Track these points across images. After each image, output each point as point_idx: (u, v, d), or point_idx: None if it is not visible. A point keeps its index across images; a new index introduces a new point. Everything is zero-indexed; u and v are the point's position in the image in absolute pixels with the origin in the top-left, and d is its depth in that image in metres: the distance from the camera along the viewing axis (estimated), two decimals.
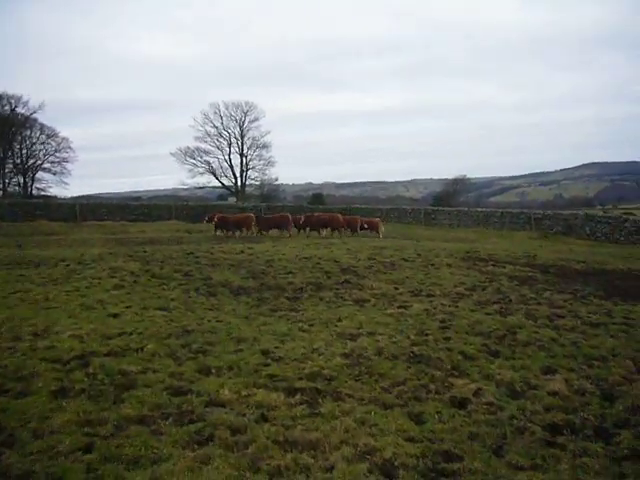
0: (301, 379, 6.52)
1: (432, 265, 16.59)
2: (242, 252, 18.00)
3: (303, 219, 30.38)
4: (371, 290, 12.83)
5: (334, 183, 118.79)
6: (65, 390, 5.77)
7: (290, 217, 30.37)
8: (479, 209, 40.21)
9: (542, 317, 10.28)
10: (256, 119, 66.41)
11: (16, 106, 59.41)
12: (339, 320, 9.74)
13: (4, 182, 60.25)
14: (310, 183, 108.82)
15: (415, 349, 7.88)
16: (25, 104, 59.94)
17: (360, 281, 13.77)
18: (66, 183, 63.62)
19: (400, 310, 10.60)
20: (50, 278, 12.40)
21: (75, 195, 67.69)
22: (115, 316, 9.29)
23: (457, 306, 11.12)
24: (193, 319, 9.38)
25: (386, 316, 10.12)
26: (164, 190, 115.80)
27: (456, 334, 8.83)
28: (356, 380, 6.60)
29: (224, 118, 65.80)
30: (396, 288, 13.02)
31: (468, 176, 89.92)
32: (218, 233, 29.82)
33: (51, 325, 8.38)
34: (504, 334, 8.88)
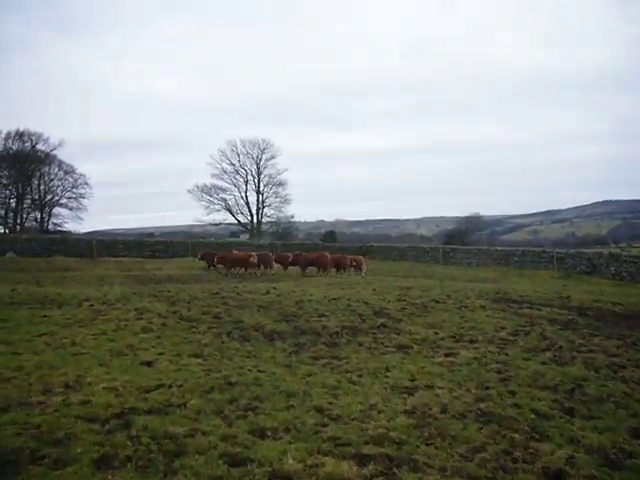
0: (367, 443, 5.77)
1: (465, 307, 15.90)
2: (268, 292, 17.32)
3: (291, 257, 30.55)
4: (410, 335, 12.14)
5: (346, 221, 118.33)
6: (108, 458, 5.03)
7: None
8: (499, 248, 39.39)
9: (602, 367, 9.61)
10: (272, 157, 66.58)
11: (37, 143, 59.95)
12: (387, 370, 9.03)
13: (22, 217, 60.31)
14: (322, 220, 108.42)
15: (482, 406, 7.14)
16: (45, 141, 60.55)
17: (396, 325, 13.08)
18: (81, 218, 63.66)
19: (449, 359, 9.89)
20: (75, 319, 11.72)
21: (89, 230, 67.65)
22: (149, 364, 8.58)
23: (507, 354, 10.42)
24: (232, 368, 8.66)
25: (436, 365, 9.40)
26: (177, 226, 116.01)
27: (519, 387, 8.12)
28: (428, 444, 5.83)
29: (241, 156, 66.02)
30: (436, 333, 12.32)
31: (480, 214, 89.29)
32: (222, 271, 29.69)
33: (82, 374, 7.67)
34: (572, 388, 8.16)
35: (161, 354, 9.33)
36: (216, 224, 66.97)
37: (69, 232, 60.44)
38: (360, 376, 8.61)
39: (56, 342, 9.70)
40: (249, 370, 8.55)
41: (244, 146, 66.10)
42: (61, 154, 63.25)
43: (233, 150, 66.13)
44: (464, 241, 64.92)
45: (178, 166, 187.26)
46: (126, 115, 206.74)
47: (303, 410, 6.69)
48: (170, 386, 7.30)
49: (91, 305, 13.49)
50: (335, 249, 45.30)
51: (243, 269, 29.38)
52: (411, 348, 10.94)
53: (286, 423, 6.20)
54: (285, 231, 64.90)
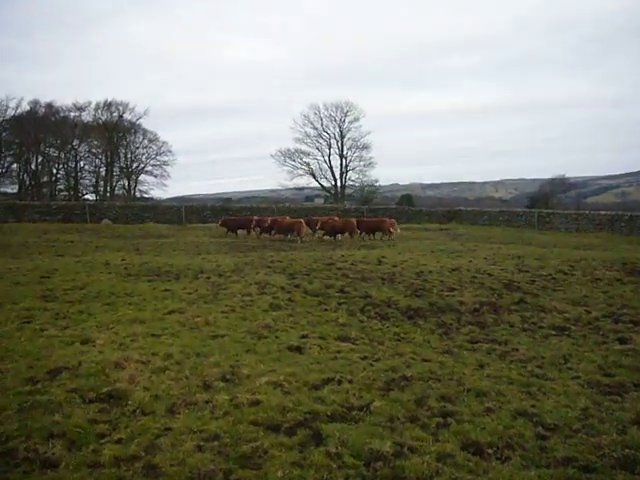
0: (615, 468, 4.50)
1: (599, 280, 14.11)
2: (380, 262, 16.10)
3: (319, 224, 28.20)
4: (559, 314, 10.67)
5: (420, 184, 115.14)
6: None
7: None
8: (602, 212, 36.30)
9: None
10: (356, 119, 64.45)
11: (124, 112, 60.80)
12: (565, 359, 7.67)
13: (111, 185, 61.77)
14: (396, 184, 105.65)
15: None
16: (132, 110, 61.29)
17: (536, 301, 11.63)
18: (166, 185, 64.52)
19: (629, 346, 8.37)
20: (198, 294, 10.94)
21: (170, 196, 68.51)
22: (299, 350, 7.60)
23: None
24: (391, 355, 7.58)
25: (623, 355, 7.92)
26: (252, 191, 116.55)
27: None
28: None
29: (324, 119, 64.28)
30: (587, 312, 10.80)
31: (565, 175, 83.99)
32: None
33: (234, 364, 6.74)
34: None
35: (304, 337, 8.35)
36: (299, 188, 66.15)
37: (155, 199, 61.51)
38: (540, 367, 7.35)
39: (189, 322, 8.87)
40: (412, 359, 7.42)
41: (327, 109, 64.38)
42: (145, 123, 63.98)
43: (316, 114, 64.54)
44: (548, 204, 61.26)
45: (253, 132, 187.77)
46: (202, 83, 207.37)
47: (506, 416, 5.48)
48: (340, 381, 6.24)
49: (208, 278, 12.71)
50: (423, 214, 43.59)
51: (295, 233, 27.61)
52: (569, 330, 9.55)
53: (498, 435, 5.00)
54: (369, 195, 63.17)
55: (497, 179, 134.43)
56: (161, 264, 14.73)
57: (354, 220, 28.70)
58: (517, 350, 8.08)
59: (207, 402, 5.48)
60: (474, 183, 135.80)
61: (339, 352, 7.62)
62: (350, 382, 6.25)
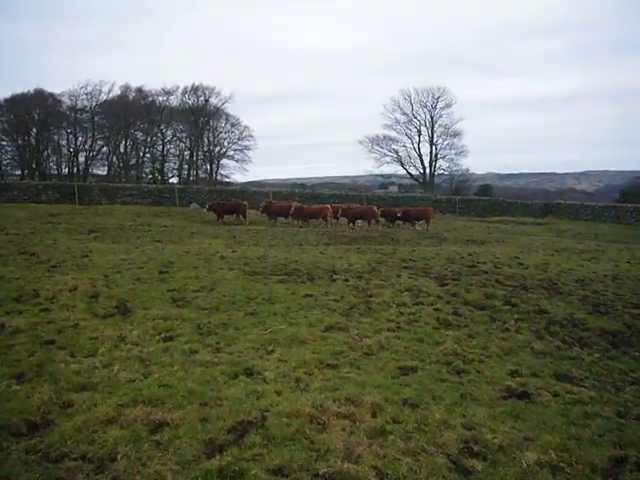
0: None
1: None
2: (522, 264, 13.80)
3: (340, 211, 28.00)
4: None
5: (497, 174, 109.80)
6: None
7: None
8: None
9: None
10: (447, 105, 61.14)
11: (210, 97, 60.22)
12: None
13: (196, 169, 61.56)
14: (472, 173, 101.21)
15: None
16: (217, 95, 60.65)
17: None
18: (246, 170, 63.73)
19: None
20: (347, 303, 9.08)
21: (245, 181, 67.45)
22: (525, 397, 5.55)
23: None
24: None
25: None
26: (326, 177, 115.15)
27: None
28: None
29: (414, 105, 61.40)
30: None
31: None
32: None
33: (470, 424, 4.78)
34: None
35: (515, 374, 6.30)
36: (387, 176, 63.65)
37: (233, 183, 60.81)
38: None
39: (358, 343, 6.99)
40: None
41: (417, 94, 61.36)
42: (227, 108, 63.22)
43: (406, 99, 61.71)
44: None
45: (326, 119, 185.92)
46: (274, 68, 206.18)
47: None
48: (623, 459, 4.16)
49: (346, 280, 10.83)
50: (517, 207, 40.41)
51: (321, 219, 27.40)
52: None
53: None
54: (459, 185, 59.90)
55: (580, 170, 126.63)
56: (282, 259, 13.00)
57: (375, 207, 28.51)
58: None
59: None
60: (555, 174, 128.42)
61: (579, 402, 5.53)
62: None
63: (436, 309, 9.05)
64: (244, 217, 27.91)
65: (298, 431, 4.38)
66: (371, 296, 9.65)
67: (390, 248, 17.30)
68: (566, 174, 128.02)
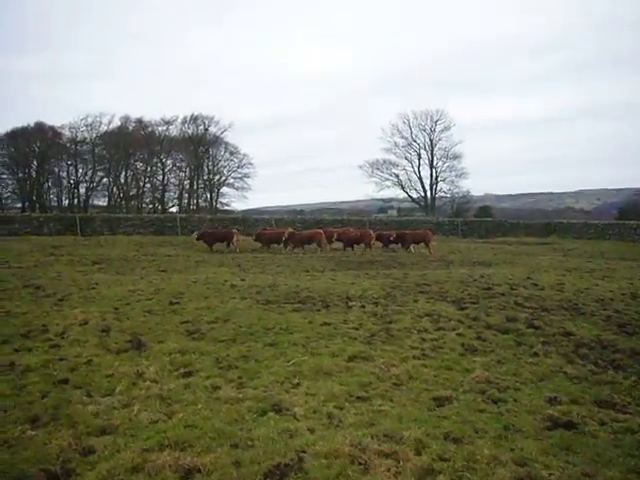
0: None
1: None
2: (537, 284, 13.52)
3: (335, 235, 27.93)
4: None
5: (495, 195, 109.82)
6: None
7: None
8: None
9: None
10: (446, 128, 61.39)
11: (209, 126, 60.51)
12: None
13: (196, 198, 61.52)
14: (472, 195, 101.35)
15: None
16: (217, 123, 60.95)
17: None
18: (246, 197, 63.68)
19: None
20: (367, 330, 8.74)
21: (243, 209, 67.34)
22: (572, 426, 5.19)
23: None
24: None
25: None
26: (325, 203, 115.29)
27: None
28: None
29: (413, 128, 61.64)
30: None
31: None
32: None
33: (511, 459, 4.43)
34: None
35: (554, 401, 5.95)
36: (387, 200, 63.53)
37: (234, 211, 60.71)
38: None
39: (385, 373, 6.65)
40: None
41: (416, 118, 61.62)
42: (226, 136, 63.52)
43: (405, 122, 61.98)
44: None
45: (321, 145, 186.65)
46: (270, 94, 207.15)
47: None
48: None
49: (363, 307, 10.51)
50: (520, 227, 40.21)
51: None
52: None
53: None
54: (460, 207, 59.79)
55: (576, 189, 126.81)
56: (293, 287, 12.68)
57: (371, 231, 28.46)
58: None
59: None
60: (552, 193, 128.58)
61: (629, 431, 5.19)
62: None
63: (459, 334, 8.73)
64: (233, 244, 27.60)
65: (340, 474, 4.04)
66: (390, 322, 9.32)
67: (399, 272, 16.98)
68: (563, 193, 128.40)
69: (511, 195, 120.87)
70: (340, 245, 28.42)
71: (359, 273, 16.88)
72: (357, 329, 8.78)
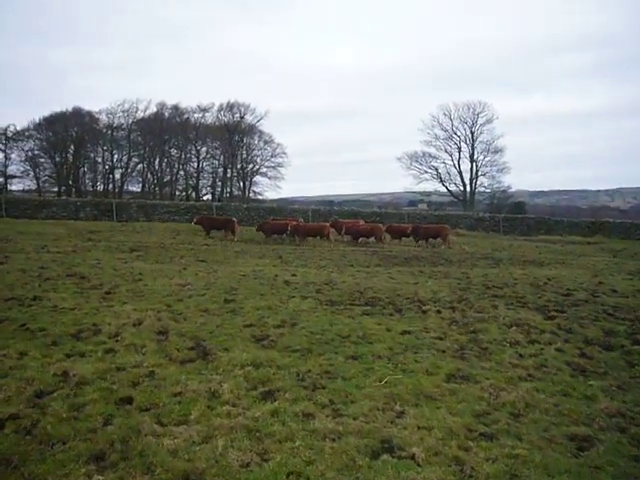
0: None
1: None
2: (604, 289, 12.22)
3: (344, 228, 27.28)
4: None
5: (527, 191, 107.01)
6: None
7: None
8: None
9: None
10: (488, 121, 59.12)
11: (245, 114, 59.59)
12: None
13: (230, 186, 60.81)
14: (513, 191, 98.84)
15: None
16: (253, 112, 59.99)
17: None
18: (279, 187, 62.66)
19: None
20: (454, 342, 7.63)
21: (273, 199, 66.34)
22: None
23: None
24: None
25: None
26: (353, 195, 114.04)
27: None
28: None
29: (454, 121, 59.57)
30: None
31: None
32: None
33: None
34: None
35: None
36: (426, 194, 61.76)
37: (266, 200, 59.85)
38: None
39: (493, 399, 5.55)
40: None
41: (457, 110, 59.51)
42: (261, 125, 62.60)
43: (445, 114, 59.95)
44: None
45: (353, 137, 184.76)
46: (303, 88, 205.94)
47: None
48: None
49: (438, 312, 9.38)
50: (564, 225, 38.45)
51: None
52: None
53: None
54: (501, 202, 57.73)
55: (613, 187, 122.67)
56: (353, 285, 11.64)
57: (380, 225, 27.88)
58: None
59: None
60: (586, 191, 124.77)
61: None
62: None
63: (558, 349, 7.56)
64: (233, 233, 26.71)
65: None
66: (474, 332, 8.20)
67: (456, 271, 15.83)
68: (598, 191, 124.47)
69: (544, 192, 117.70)
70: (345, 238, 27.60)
71: (412, 270, 15.77)
72: (442, 339, 7.68)
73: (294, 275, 13.26)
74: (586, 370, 6.84)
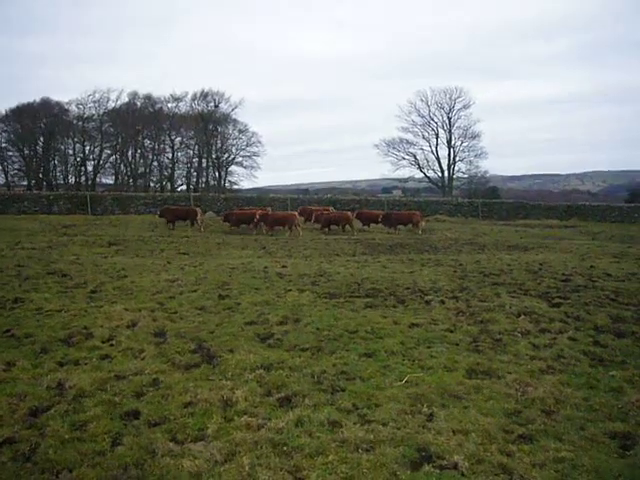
0: None
1: None
2: (598, 273, 12.09)
3: (314, 217, 27.22)
4: None
5: (501, 176, 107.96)
6: None
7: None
8: None
9: None
10: (465, 107, 59.10)
11: (219, 102, 58.46)
12: None
13: (206, 176, 59.77)
14: (490, 175, 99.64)
15: None
16: (227, 100, 58.91)
17: None
18: (255, 177, 61.90)
19: None
20: (465, 335, 7.32)
21: (248, 188, 65.48)
22: None
23: None
24: None
25: None
26: (329, 182, 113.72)
27: None
28: None
29: (431, 107, 59.40)
30: None
31: None
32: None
33: None
34: None
35: None
36: (404, 180, 61.56)
37: (241, 190, 59.02)
38: None
39: (520, 395, 5.24)
40: None
41: (434, 95, 59.32)
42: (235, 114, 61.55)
43: (422, 100, 59.74)
44: None
45: (328, 126, 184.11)
46: (279, 75, 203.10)
47: None
48: None
49: (442, 302, 9.07)
50: (541, 209, 38.66)
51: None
52: None
53: None
54: (478, 188, 57.91)
55: (582, 171, 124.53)
56: (347, 276, 11.27)
57: (349, 213, 27.43)
58: None
59: None
60: (558, 175, 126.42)
61: None
62: None
63: (571, 338, 7.31)
64: (197, 223, 26.07)
65: None
66: (483, 322, 7.90)
67: (442, 257, 15.60)
68: (569, 175, 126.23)
69: (517, 176, 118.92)
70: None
71: (402, 259, 15.47)
72: (452, 331, 7.36)
73: (284, 267, 12.84)
74: (604, 359, 6.58)
